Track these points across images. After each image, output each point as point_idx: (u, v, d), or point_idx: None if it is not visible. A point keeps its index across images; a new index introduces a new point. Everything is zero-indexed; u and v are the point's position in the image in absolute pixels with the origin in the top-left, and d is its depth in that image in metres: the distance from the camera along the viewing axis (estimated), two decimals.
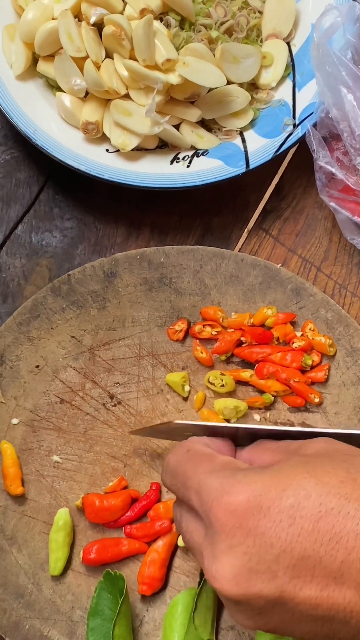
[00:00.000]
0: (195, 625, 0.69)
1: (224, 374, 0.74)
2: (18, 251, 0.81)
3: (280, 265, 0.77)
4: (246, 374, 0.74)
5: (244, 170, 0.76)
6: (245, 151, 0.77)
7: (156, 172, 0.77)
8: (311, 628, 0.51)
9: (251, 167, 0.76)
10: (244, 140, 0.78)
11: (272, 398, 0.74)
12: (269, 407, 0.75)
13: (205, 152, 0.77)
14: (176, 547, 0.73)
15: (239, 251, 0.81)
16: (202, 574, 0.70)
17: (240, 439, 0.64)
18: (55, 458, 0.74)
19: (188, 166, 0.77)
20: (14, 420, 0.74)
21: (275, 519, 0.50)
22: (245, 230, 0.82)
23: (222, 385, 0.74)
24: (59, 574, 0.71)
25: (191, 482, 0.55)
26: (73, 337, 0.76)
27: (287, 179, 0.83)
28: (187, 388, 0.75)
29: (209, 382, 0.75)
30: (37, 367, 0.75)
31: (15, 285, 0.80)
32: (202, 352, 0.75)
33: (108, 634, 0.68)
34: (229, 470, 0.55)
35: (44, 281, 0.81)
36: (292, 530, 0.50)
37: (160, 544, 0.72)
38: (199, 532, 0.55)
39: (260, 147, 0.77)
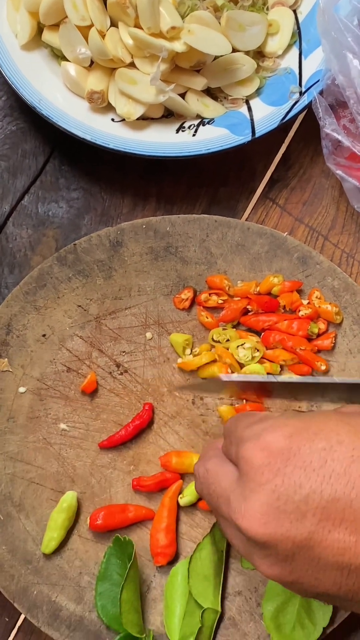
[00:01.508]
0: (192, 594, 0.74)
1: (225, 328, 0.79)
2: (24, 222, 0.86)
3: (287, 234, 0.81)
4: (253, 338, 0.79)
5: (250, 138, 0.79)
6: (252, 119, 0.81)
7: (162, 141, 0.80)
8: (336, 579, 0.53)
9: (257, 135, 0.79)
10: (250, 109, 0.82)
11: (279, 368, 0.79)
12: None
13: (211, 121, 0.81)
14: (179, 514, 0.78)
15: (246, 220, 0.85)
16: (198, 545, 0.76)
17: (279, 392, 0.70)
18: (62, 426, 0.79)
19: (194, 135, 0.80)
20: (21, 389, 0.78)
21: (305, 460, 0.53)
22: (252, 199, 0.86)
23: (227, 340, 0.79)
24: (49, 553, 0.76)
25: (234, 437, 0.59)
26: (79, 306, 0.80)
27: (294, 148, 0.87)
28: (187, 351, 0.79)
29: (213, 340, 0.79)
30: (44, 336, 0.79)
31: (21, 255, 0.85)
32: (207, 317, 0.79)
33: (116, 598, 0.73)
34: (263, 418, 0.58)
35: (51, 251, 0.85)
36: (323, 471, 0.53)
37: (165, 514, 0.77)
38: (229, 478, 0.58)
39: (266, 115, 0.81)
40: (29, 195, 0.86)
